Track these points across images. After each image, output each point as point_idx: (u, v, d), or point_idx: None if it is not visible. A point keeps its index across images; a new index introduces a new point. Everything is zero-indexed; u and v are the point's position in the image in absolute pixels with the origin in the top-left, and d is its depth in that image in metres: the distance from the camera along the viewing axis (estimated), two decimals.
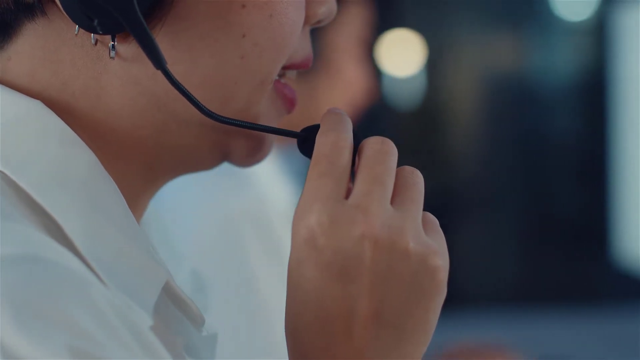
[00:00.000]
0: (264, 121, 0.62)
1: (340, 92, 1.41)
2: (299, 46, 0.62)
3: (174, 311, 0.60)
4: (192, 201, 1.28)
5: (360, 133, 0.59)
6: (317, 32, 1.37)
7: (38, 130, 0.56)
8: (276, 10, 0.58)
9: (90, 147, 0.57)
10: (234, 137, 0.62)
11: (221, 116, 0.58)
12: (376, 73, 3.90)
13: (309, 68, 0.65)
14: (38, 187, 0.54)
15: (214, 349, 0.64)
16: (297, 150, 0.61)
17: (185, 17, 0.56)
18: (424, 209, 0.58)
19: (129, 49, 0.56)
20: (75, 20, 0.55)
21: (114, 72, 0.57)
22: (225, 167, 1.42)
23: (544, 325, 3.27)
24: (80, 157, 0.56)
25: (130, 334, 0.49)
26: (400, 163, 0.58)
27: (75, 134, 0.56)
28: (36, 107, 0.56)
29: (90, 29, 0.55)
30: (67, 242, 0.53)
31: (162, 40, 0.56)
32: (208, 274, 1.18)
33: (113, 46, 0.56)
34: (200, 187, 1.27)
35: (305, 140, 0.60)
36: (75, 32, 0.56)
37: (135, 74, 0.57)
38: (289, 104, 0.64)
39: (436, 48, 4.10)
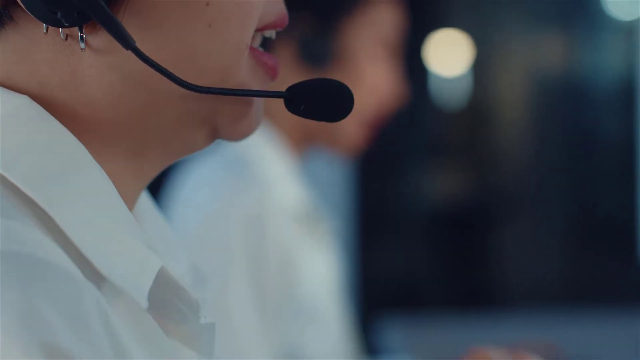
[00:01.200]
0: None
1: (365, 95, 1.38)
2: (270, 7, 0.63)
3: (171, 298, 0.60)
4: (199, 200, 1.28)
5: None
6: (338, 33, 1.36)
7: (27, 124, 0.56)
8: None
9: None
10: (218, 108, 0.62)
11: (198, 86, 0.59)
12: (423, 73, 3.89)
13: (284, 27, 0.65)
14: (29, 181, 0.54)
15: (213, 338, 0.65)
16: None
17: None
18: None
19: (98, 38, 0.57)
20: (39, 16, 0.55)
21: (89, 64, 0.58)
22: (235, 167, 1.41)
23: (585, 326, 3.23)
24: (69, 148, 0.57)
25: (108, 337, 0.50)
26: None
27: (63, 126, 0.57)
28: (23, 102, 0.57)
29: (56, 23, 0.55)
30: (60, 234, 0.54)
31: (129, 22, 0.57)
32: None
33: (82, 37, 0.56)
34: (209, 187, 1.27)
35: (291, 100, 0.63)
36: (45, 31, 0.57)
37: (109, 61, 0.57)
38: (271, 71, 0.64)
39: (484, 48, 4.06)
